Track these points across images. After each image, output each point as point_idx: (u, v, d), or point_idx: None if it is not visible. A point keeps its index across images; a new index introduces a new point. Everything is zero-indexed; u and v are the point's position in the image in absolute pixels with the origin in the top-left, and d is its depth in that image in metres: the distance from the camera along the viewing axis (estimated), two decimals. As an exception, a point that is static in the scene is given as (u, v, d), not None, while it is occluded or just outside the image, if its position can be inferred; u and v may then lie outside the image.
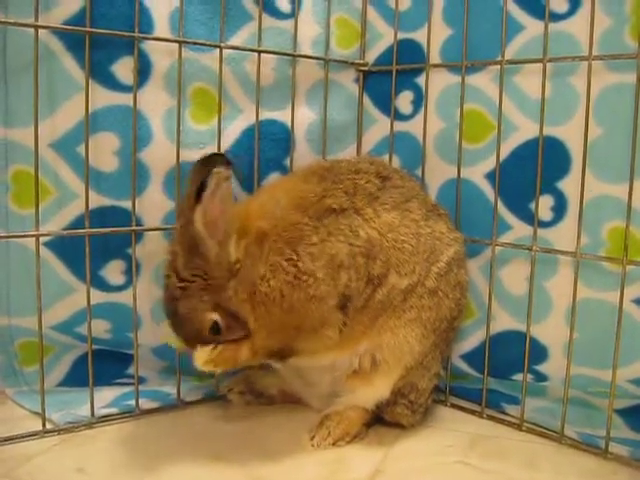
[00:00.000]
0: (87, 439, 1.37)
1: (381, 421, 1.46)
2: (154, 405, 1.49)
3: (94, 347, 1.45)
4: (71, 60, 1.38)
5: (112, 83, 1.41)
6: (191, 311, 1.25)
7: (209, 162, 1.24)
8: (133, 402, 1.46)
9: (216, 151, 1.46)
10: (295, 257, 1.25)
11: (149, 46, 1.42)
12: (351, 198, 1.34)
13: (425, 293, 1.36)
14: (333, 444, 1.38)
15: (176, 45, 1.42)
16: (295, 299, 1.25)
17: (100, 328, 1.50)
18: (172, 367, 1.59)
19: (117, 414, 1.44)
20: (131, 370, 1.59)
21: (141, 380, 1.52)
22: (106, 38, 1.37)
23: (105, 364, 1.54)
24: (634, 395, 1.43)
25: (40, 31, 1.29)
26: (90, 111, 1.36)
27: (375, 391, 1.40)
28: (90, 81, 1.36)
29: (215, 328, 1.26)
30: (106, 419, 1.42)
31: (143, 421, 1.45)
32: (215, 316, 1.25)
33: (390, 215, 1.35)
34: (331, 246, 1.27)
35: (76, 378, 1.54)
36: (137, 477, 1.23)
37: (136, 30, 1.37)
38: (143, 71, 1.42)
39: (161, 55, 1.43)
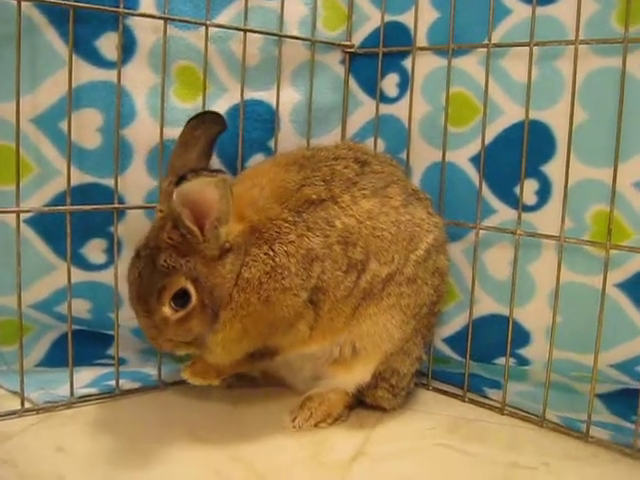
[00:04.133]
0: (66, 419, 1.35)
1: (363, 404, 1.45)
2: (134, 386, 1.48)
3: (74, 327, 1.44)
4: (54, 34, 1.35)
5: (96, 59, 1.39)
6: (169, 266, 1.21)
7: (203, 120, 1.32)
8: (113, 382, 1.45)
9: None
10: (272, 253, 1.26)
11: (134, 22, 1.40)
12: (329, 186, 1.34)
13: (404, 281, 1.36)
14: (315, 425, 1.38)
15: (161, 22, 1.40)
16: (271, 288, 1.25)
17: (80, 308, 1.48)
18: (153, 348, 1.55)
19: (97, 394, 1.43)
20: (111, 351, 1.58)
21: (121, 361, 1.51)
22: (90, 13, 1.35)
23: (85, 344, 1.52)
24: (616, 380, 1.44)
25: (23, 4, 1.27)
26: (73, 87, 1.34)
27: (356, 376, 1.40)
28: (74, 56, 1.34)
29: (181, 298, 1.22)
30: (85, 399, 1.41)
31: (123, 402, 1.44)
32: (189, 286, 1.22)
33: (369, 202, 1.34)
34: (308, 241, 1.27)
35: (55, 358, 1.53)
36: (117, 457, 1.22)
37: (121, 5, 1.35)
38: (127, 47, 1.41)
39: (146, 32, 1.42)
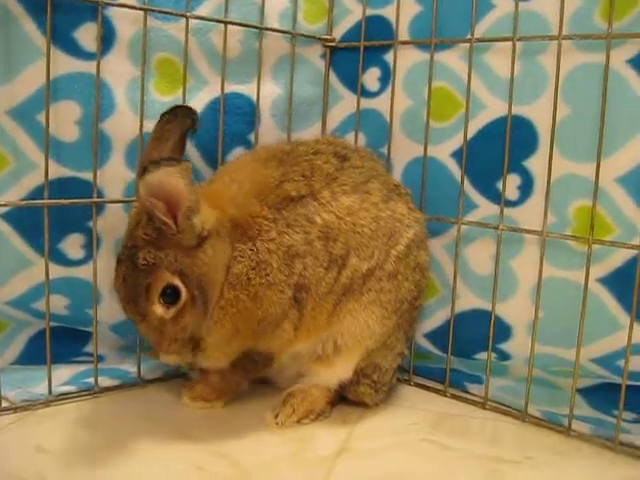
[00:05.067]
0: (45, 417, 1.33)
1: (345, 400, 1.44)
2: (113, 383, 1.45)
3: (51, 324, 1.41)
4: (31, 24, 1.32)
5: (74, 49, 1.37)
6: (149, 263, 1.20)
7: (175, 114, 1.30)
8: (91, 380, 1.43)
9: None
10: (255, 249, 1.25)
11: (113, 12, 1.38)
12: (309, 181, 1.33)
13: (384, 276, 1.35)
14: (297, 422, 1.37)
15: (141, 13, 1.38)
16: (258, 284, 1.25)
17: (58, 304, 1.45)
18: (131, 345, 1.55)
19: (75, 392, 1.40)
20: (89, 348, 1.56)
21: (99, 358, 1.48)
22: (69, 2, 1.33)
23: (62, 342, 1.49)
24: (596, 374, 1.44)
25: (-1, -7, 1.25)
26: (51, 78, 1.30)
27: (338, 372, 1.39)
28: (51, 47, 1.30)
29: (171, 294, 1.21)
30: (64, 397, 1.38)
31: (102, 399, 1.42)
32: (176, 281, 1.20)
33: (349, 199, 1.33)
34: (288, 238, 1.27)
35: (31, 356, 1.50)
36: (98, 455, 1.20)
37: (100, -5, 1.34)
38: (107, 39, 1.39)
39: (125, 23, 1.39)
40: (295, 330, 1.33)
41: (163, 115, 1.32)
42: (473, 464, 1.24)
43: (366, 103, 1.62)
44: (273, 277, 1.26)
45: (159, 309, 1.22)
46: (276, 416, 1.37)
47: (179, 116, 1.33)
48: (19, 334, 1.51)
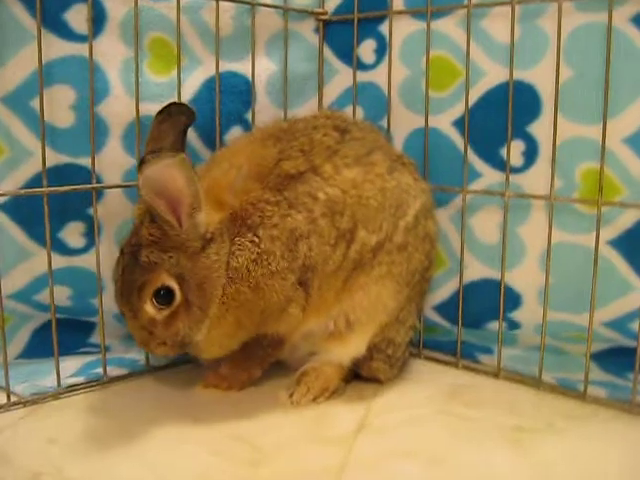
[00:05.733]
0: (55, 410, 1.30)
1: (357, 377, 1.43)
2: (122, 372, 1.42)
3: (51, 316, 1.40)
4: (21, 7, 1.29)
5: (65, 32, 1.34)
6: (150, 262, 1.18)
7: (168, 113, 1.27)
8: (99, 370, 1.40)
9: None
10: (257, 240, 1.23)
11: (103, -7, 1.36)
12: (308, 156, 1.30)
13: (394, 248, 1.33)
14: (313, 400, 1.35)
15: (131, -8, 1.36)
16: (260, 275, 1.23)
17: (61, 295, 1.43)
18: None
19: (84, 383, 1.37)
20: (93, 339, 1.54)
21: (106, 348, 1.43)
22: (58, -16, 1.30)
23: (66, 333, 1.44)
24: (607, 338, 1.44)
25: (-14, -25, 1.21)
26: (43, 62, 1.26)
27: (351, 349, 1.38)
28: (42, 30, 1.27)
29: (165, 296, 1.19)
30: (73, 389, 1.36)
31: (112, 389, 1.39)
32: (171, 283, 1.19)
33: (353, 171, 1.31)
34: (291, 220, 1.24)
35: (36, 349, 1.47)
36: (113, 446, 1.17)
37: (89, -25, 1.30)
38: (98, 20, 1.36)
39: (116, 3, 1.37)
40: (303, 311, 1.30)
41: (157, 114, 1.29)
42: (495, 433, 1.23)
43: (363, 76, 1.60)
44: (276, 266, 1.24)
45: (150, 309, 1.21)
46: (291, 395, 1.35)
47: (173, 114, 1.30)
48: (22, 328, 1.48)
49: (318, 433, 1.25)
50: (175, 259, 1.19)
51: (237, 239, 1.23)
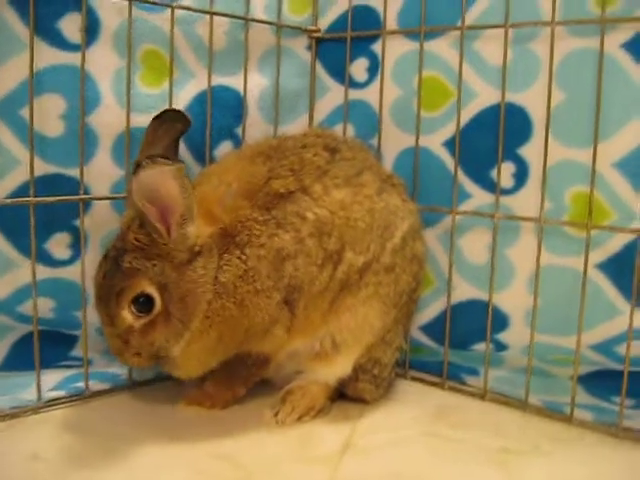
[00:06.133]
0: (36, 424, 1.27)
1: (343, 396, 1.41)
2: (104, 386, 1.40)
3: (33, 328, 1.37)
4: (13, 15, 1.27)
5: (58, 41, 1.32)
6: (133, 268, 1.16)
7: (164, 120, 1.27)
8: (80, 384, 1.37)
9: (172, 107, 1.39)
10: (244, 257, 1.22)
11: (98, 3, 1.34)
12: (297, 175, 1.29)
13: (381, 269, 1.33)
14: (298, 419, 1.33)
15: (126, 3, 1.33)
16: (245, 291, 1.22)
17: (44, 307, 1.40)
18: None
19: (65, 397, 1.35)
20: (75, 352, 1.50)
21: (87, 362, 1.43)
22: (52, -8, 1.28)
23: (47, 346, 1.40)
24: (593, 361, 1.44)
25: (-20, -19, 1.20)
26: (34, 71, 1.25)
27: (337, 369, 1.37)
28: (34, 38, 1.25)
29: (144, 303, 1.17)
30: (54, 402, 1.33)
31: (94, 404, 1.37)
32: (151, 291, 1.17)
33: (342, 192, 1.30)
34: (278, 240, 1.24)
35: (16, 362, 1.43)
36: (96, 462, 1.15)
37: (84, -16, 1.29)
38: (91, 30, 1.34)
39: (110, 13, 1.35)
40: (288, 332, 1.29)
41: (154, 119, 1.29)
42: (481, 455, 1.22)
43: (354, 94, 1.60)
44: (261, 284, 1.23)
45: (128, 316, 1.19)
46: (276, 414, 1.34)
47: (168, 120, 1.29)
48: (2, 340, 1.44)
49: (303, 452, 1.23)
50: (159, 268, 1.17)
51: (225, 255, 1.22)
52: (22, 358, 1.42)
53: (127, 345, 1.21)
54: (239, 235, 1.23)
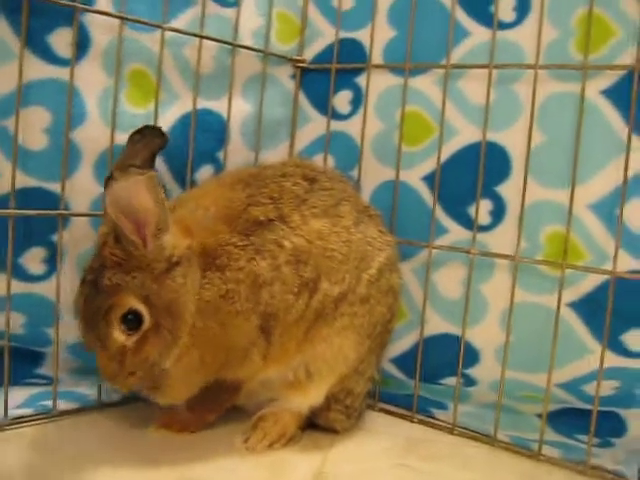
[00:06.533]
0: (1, 442, 1.23)
1: (314, 426, 1.41)
2: (72, 406, 1.37)
3: (3, 343, 1.34)
4: (5, 26, 1.26)
5: (47, 54, 1.31)
6: (114, 284, 1.15)
7: (143, 134, 1.26)
8: (47, 403, 1.35)
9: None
10: (224, 278, 1.22)
11: (89, 19, 1.33)
12: (277, 204, 1.30)
13: (357, 300, 1.33)
14: (269, 446, 1.33)
15: (116, 21, 1.34)
16: (226, 312, 1.22)
17: (14, 322, 1.35)
18: (85, 367, 1.48)
19: (32, 415, 1.32)
20: (41, 370, 1.48)
21: (53, 380, 1.39)
22: (44, 5, 1.27)
23: (13, 362, 1.36)
24: (560, 399, 1.46)
25: (-28, -10, 1.19)
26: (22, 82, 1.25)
27: (310, 398, 1.36)
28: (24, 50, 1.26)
29: (133, 320, 1.16)
30: (20, 420, 1.30)
31: (61, 423, 1.34)
32: (139, 305, 1.16)
33: (320, 222, 1.31)
34: (256, 265, 1.24)
35: (-21, 378, 1.41)
36: (64, 480, 1.14)
37: (77, 0, 1.28)
38: (81, 45, 1.33)
39: (101, 30, 1.35)
40: (264, 359, 1.29)
41: (132, 135, 1.28)
42: (452, 488, 1.24)
43: (336, 125, 1.62)
44: (240, 305, 1.22)
45: (120, 335, 1.17)
46: (246, 440, 1.33)
47: (147, 136, 1.29)
48: (-33, 354, 1.42)
49: (275, 479, 1.22)
50: (139, 280, 1.16)
51: (208, 273, 1.21)
52: (-13, 374, 1.40)
53: (121, 367, 1.18)
54: (219, 258, 1.23)
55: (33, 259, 1.38)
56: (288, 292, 1.27)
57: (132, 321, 1.17)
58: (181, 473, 1.20)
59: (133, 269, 1.16)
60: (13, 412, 1.30)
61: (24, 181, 1.32)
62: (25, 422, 1.31)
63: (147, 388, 1.25)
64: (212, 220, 1.26)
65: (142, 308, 1.16)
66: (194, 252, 1.22)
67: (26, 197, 1.32)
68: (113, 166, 1.25)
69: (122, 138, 1.35)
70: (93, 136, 1.37)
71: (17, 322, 1.38)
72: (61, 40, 1.32)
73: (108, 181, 1.11)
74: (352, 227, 1.35)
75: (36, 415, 1.33)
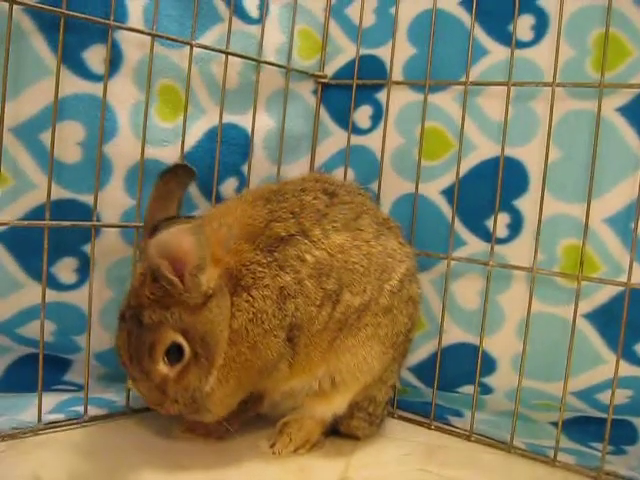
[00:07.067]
0: (36, 446, 1.27)
1: (337, 432, 1.44)
2: (101, 412, 1.41)
3: (32, 350, 1.40)
4: (42, 42, 1.30)
5: (82, 70, 1.35)
6: (155, 322, 1.18)
7: (175, 173, 1.32)
8: (78, 408, 1.39)
9: (178, 161, 1.43)
10: (251, 299, 1.25)
11: (121, 36, 1.37)
12: (298, 218, 1.33)
13: (380, 311, 1.36)
14: (294, 451, 1.36)
15: (148, 38, 1.38)
16: (256, 334, 1.24)
17: (45, 330, 1.36)
18: (112, 374, 1.52)
19: (64, 420, 1.35)
20: (68, 377, 1.51)
21: (80, 387, 1.43)
22: (80, 23, 1.31)
23: (43, 369, 1.40)
24: (574, 407, 1.50)
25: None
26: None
27: (334, 407, 1.40)
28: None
29: (175, 352, 1.19)
30: (53, 425, 1.34)
31: (92, 428, 1.37)
32: (179, 339, 1.19)
33: (341, 236, 1.34)
34: (280, 280, 1.27)
35: (11, 383, 1.43)
36: (99, 483, 1.18)
37: (111, 18, 1.32)
38: (114, 62, 1.37)
39: (133, 47, 1.39)
40: (290, 367, 1.32)
41: (163, 174, 1.32)
42: (474, 493, 1.29)
43: (356, 140, 1.66)
44: (268, 324, 1.25)
45: (163, 368, 1.20)
46: (272, 445, 1.36)
47: (178, 175, 1.33)
48: (-2, 361, 1.46)
49: (302, 484, 1.27)
50: (177, 315, 1.19)
51: (234, 299, 1.25)
52: (18, 380, 1.43)
53: (164, 395, 1.22)
54: (244, 279, 1.26)
55: (65, 269, 1.42)
56: (311, 304, 1.29)
57: (174, 353, 1.20)
58: (211, 477, 1.24)
59: (171, 305, 1.19)
60: (45, 417, 1.34)
61: (58, 193, 1.36)
62: (58, 427, 1.34)
63: (189, 412, 1.27)
64: (235, 239, 1.29)
65: (182, 341, 1.20)
66: (223, 278, 1.25)
67: (60, 208, 1.35)
68: (147, 211, 1.31)
69: (152, 152, 1.42)
70: (124, 150, 1.41)
71: (47, 330, 1.41)
72: (95, 56, 1.36)
73: (154, 231, 1.16)
74: (372, 240, 1.38)
75: (68, 420, 1.36)
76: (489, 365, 1.54)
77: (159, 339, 1.19)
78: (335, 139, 1.68)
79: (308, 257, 1.30)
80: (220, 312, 1.22)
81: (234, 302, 1.25)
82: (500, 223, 1.50)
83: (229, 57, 1.50)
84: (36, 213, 1.33)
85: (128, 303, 1.23)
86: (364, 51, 1.64)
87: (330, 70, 1.67)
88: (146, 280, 1.20)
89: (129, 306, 1.22)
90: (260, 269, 1.26)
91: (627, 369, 1.42)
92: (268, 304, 1.25)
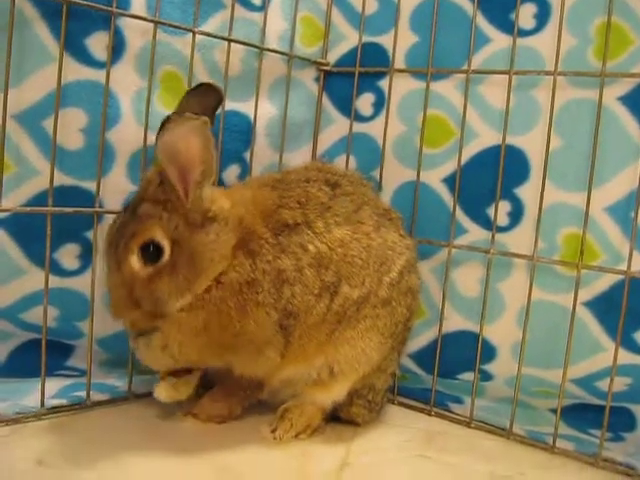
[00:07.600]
0: (39, 430, 1.29)
1: (337, 419, 1.46)
2: (103, 397, 1.42)
3: (35, 336, 1.42)
4: (45, 29, 1.30)
5: (84, 57, 1.35)
6: (147, 214, 1.20)
7: (198, 90, 1.32)
8: (80, 393, 1.40)
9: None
10: (254, 267, 1.26)
11: (124, 23, 1.37)
12: (304, 209, 1.34)
13: (378, 303, 1.37)
14: (295, 436, 1.37)
15: (150, 25, 1.38)
16: (248, 299, 1.25)
17: (48, 315, 1.37)
18: (114, 359, 1.54)
19: (66, 405, 1.36)
20: (71, 362, 1.53)
21: (83, 372, 1.45)
22: (82, 10, 1.31)
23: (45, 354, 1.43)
24: (573, 395, 1.51)
25: (16, -5, 1.23)
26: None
27: (333, 394, 1.41)
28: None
29: (153, 253, 1.20)
30: (56, 410, 1.35)
31: (94, 413, 1.39)
32: (163, 240, 1.20)
33: (341, 230, 1.35)
34: (280, 263, 1.28)
35: (14, 368, 1.45)
36: (102, 469, 1.18)
37: (114, 5, 1.32)
38: (116, 49, 1.37)
39: (135, 34, 1.39)
40: (282, 357, 1.32)
41: (188, 92, 1.34)
42: (472, 478, 1.29)
43: (358, 127, 1.66)
44: (262, 297, 1.26)
45: (136, 262, 1.21)
46: (273, 430, 1.37)
47: (202, 91, 1.33)
48: (1, 346, 1.46)
49: (305, 468, 1.28)
50: (174, 222, 1.21)
51: (239, 252, 1.26)
52: (21, 365, 1.45)
53: (129, 295, 1.22)
54: (252, 244, 1.27)
55: (68, 255, 1.42)
56: (309, 293, 1.30)
57: (152, 253, 1.21)
58: (213, 460, 1.25)
59: (170, 210, 1.21)
60: (48, 402, 1.35)
61: (61, 179, 1.37)
62: (60, 412, 1.35)
63: (144, 326, 1.27)
64: (252, 213, 1.30)
65: (165, 244, 1.21)
66: (234, 219, 1.26)
67: (62, 195, 1.36)
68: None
69: (154, 138, 1.38)
70: (127, 136, 1.41)
71: (50, 315, 1.42)
72: (98, 43, 1.36)
73: (163, 125, 1.16)
74: (372, 232, 1.39)
75: (70, 405, 1.37)
76: (489, 352, 1.55)
77: (141, 230, 1.21)
78: (337, 127, 1.68)
79: (310, 247, 1.31)
80: (217, 241, 1.24)
81: (237, 256, 1.25)
82: (501, 211, 1.51)
83: (232, 44, 1.50)
84: (39, 199, 1.34)
85: (133, 199, 1.25)
86: (366, 39, 1.64)
87: (332, 57, 1.67)
88: (153, 181, 1.22)
89: (133, 200, 1.25)
90: (267, 246, 1.28)
91: (626, 357, 1.43)
92: (266, 279, 1.26)
